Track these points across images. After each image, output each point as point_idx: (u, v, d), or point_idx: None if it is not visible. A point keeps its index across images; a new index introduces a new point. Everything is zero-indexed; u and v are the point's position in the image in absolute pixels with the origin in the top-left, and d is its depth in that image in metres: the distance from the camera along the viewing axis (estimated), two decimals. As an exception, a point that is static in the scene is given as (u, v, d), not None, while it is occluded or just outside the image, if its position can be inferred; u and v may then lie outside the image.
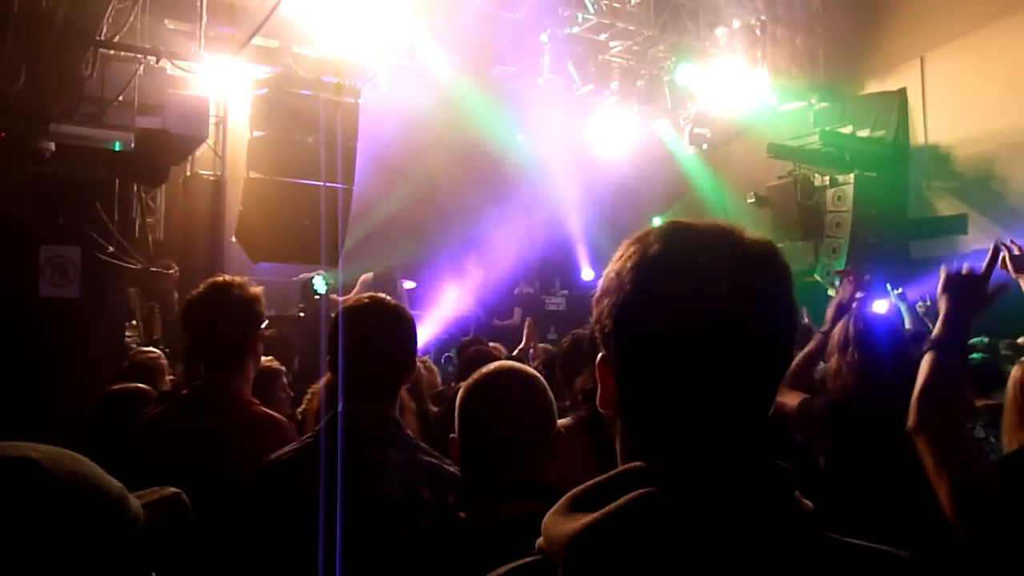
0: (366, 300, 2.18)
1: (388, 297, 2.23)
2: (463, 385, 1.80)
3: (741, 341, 0.89)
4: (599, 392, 1.00)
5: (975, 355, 4.35)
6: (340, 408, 2.03)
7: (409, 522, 1.89)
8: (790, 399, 3.25)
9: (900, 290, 6.55)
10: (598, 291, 0.99)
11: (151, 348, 5.31)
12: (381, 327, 2.12)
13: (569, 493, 0.93)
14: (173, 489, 1.06)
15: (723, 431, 0.91)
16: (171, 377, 4.70)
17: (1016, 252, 2.29)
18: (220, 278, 2.49)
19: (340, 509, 1.83)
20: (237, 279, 2.52)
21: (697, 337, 0.89)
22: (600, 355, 0.99)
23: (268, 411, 2.43)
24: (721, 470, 0.88)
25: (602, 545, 0.85)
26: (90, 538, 0.89)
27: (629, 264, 0.94)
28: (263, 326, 2.54)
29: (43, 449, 0.91)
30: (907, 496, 2.43)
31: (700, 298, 0.89)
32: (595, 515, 0.87)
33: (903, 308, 6.18)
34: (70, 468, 0.91)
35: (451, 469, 2.01)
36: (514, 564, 0.95)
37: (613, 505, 0.86)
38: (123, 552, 0.92)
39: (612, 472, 0.92)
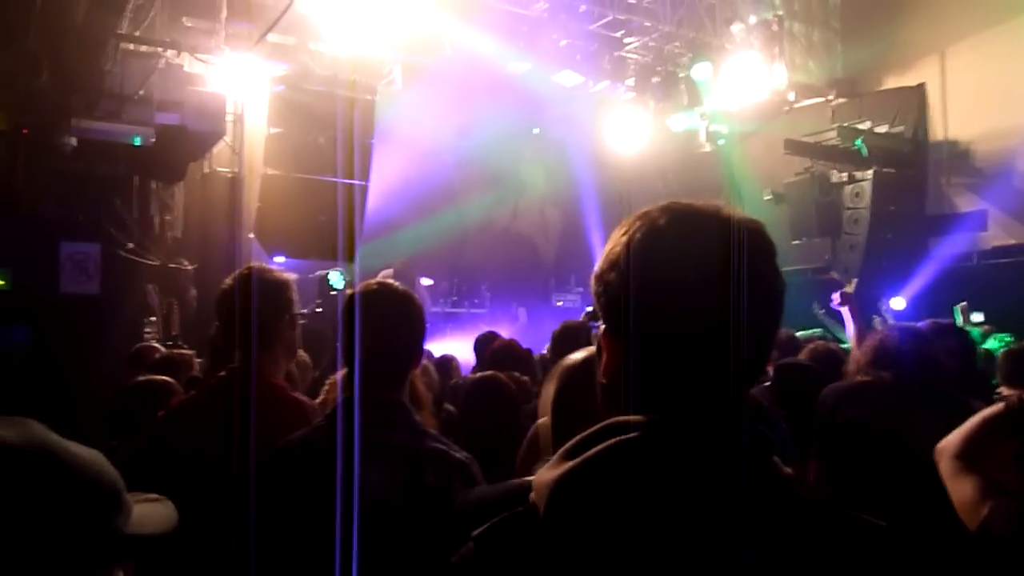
0: (375, 286, 2.16)
1: (397, 283, 2.21)
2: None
3: (738, 306, 0.93)
4: (602, 362, 1.02)
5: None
6: (343, 396, 2.04)
7: (412, 505, 1.91)
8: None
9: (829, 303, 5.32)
10: (603, 265, 1.01)
11: (181, 345, 5.32)
12: (389, 313, 2.10)
13: (561, 448, 0.96)
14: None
15: (711, 393, 0.95)
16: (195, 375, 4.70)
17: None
18: (253, 264, 2.51)
19: (343, 491, 1.85)
20: (269, 266, 2.55)
21: (702, 304, 0.94)
22: (603, 327, 1.02)
23: (297, 396, 2.44)
24: (702, 426, 0.92)
25: (581, 488, 0.90)
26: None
27: (639, 236, 0.98)
28: (295, 314, 2.56)
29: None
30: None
31: (704, 266, 0.94)
32: (576, 461, 0.91)
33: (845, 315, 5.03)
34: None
35: (458, 455, 2.01)
36: (506, 514, 0.98)
37: (594, 450, 0.91)
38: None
39: (599, 425, 0.95)
